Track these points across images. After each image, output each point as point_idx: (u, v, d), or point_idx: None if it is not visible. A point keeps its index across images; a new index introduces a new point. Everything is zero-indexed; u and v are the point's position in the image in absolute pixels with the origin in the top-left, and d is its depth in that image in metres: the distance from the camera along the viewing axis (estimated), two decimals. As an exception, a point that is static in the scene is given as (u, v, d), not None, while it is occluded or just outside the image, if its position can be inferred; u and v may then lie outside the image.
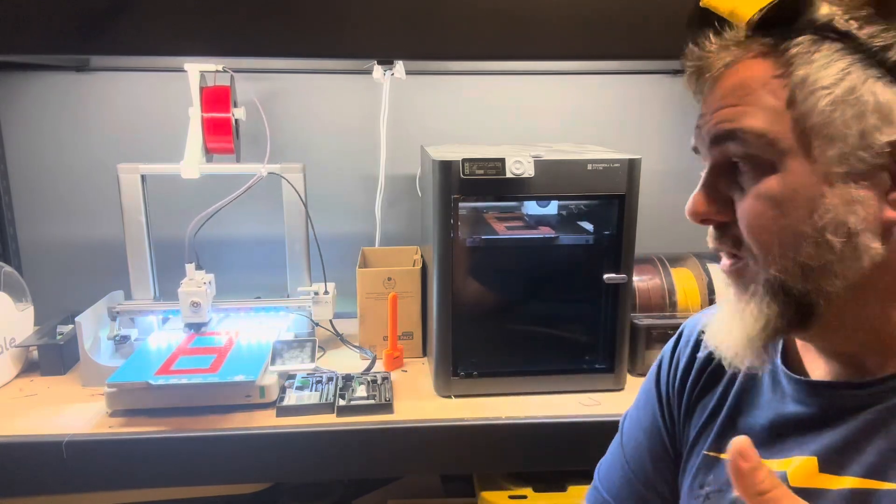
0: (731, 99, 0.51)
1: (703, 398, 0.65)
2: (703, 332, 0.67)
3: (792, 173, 0.48)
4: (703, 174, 0.55)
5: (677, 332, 0.72)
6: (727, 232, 0.54)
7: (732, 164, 0.52)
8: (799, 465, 0.53)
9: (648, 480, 0.70)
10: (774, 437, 0.57)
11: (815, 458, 0.53)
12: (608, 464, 0.76)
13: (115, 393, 1.05)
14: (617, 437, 0.76)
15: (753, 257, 0.52)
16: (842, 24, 0.48)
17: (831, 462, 0.52)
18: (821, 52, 0.48)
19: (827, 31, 0.48)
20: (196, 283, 1.22)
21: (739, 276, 0.54)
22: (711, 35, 0.54)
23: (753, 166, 0.50)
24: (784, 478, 0.54)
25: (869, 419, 0.51)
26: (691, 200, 0.54)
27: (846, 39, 0.48)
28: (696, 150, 0.56)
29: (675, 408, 0.68)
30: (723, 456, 0.60)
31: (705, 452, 0.62)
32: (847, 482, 0.50)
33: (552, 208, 1.22)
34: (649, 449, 0.71)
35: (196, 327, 1.24)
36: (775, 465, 0.55)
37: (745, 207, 0.51)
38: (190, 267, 1.22)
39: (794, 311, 0.51)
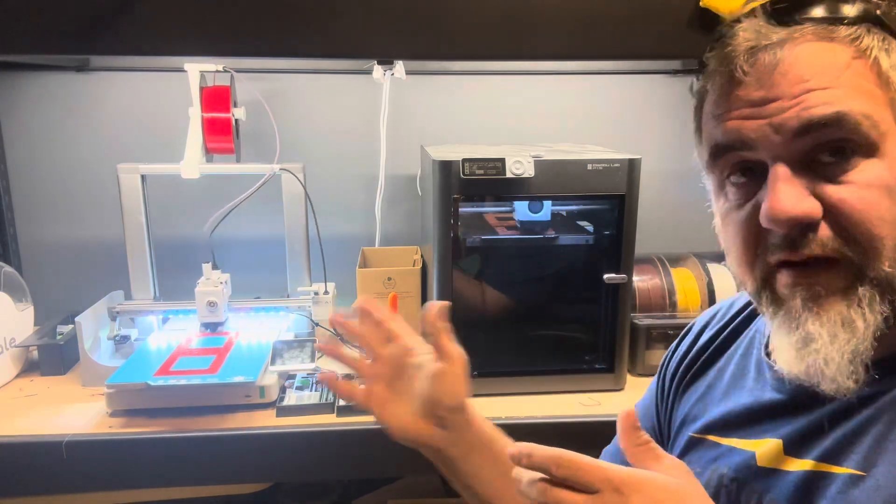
0: (819, 82, 0.47)
1: (694, 384, 0.68)
2: (707, 323, 0.71)
3: (894, 157, 0.47)
4: (777, 170, 0.48)
5: (688, 326, 0.75)
6: (813, 231, 0.48)
7: (812, 154, 0.48)
8: (768, 446, 0.56)
9: None
10: (752, 420, 0.59)
11: (781, 441, 0.55)
12: (610, 445, 0.80)
13: (115, 393, 1.05)
14: None
15: (856, 253, 0.47)
16: (892, 17, 0.49)
17: (795, 445, 0.54)
18: (887, 39, 0.49)
19: (878, 23, 0.49)
20: (213, 282, 1.22)
21: (830, 284, 0.48)
22: (747, 21, 0.51)
23: (852, 152, 0.47)
24: (753, 457, 0.57)
25: (834, 408, 0.52)
26: (780, 200, 0.47)
27: (893, 31, 0.49)
28: (752, 144, 0.50)
29: (669, 392, 0.72)
30: (709, 437, 0.63)
31: (691, 434, 0.65)
32: (806, 465, 0.53)
33: (545, 214, 1.19)
34: (641, 421, 0.74)
35: (212, 326, 1.24)
36: (749, 444, 0.58)
37: (852, 197, 0.47)
38: (207, 266, 1.23)
39: (894, 312, 0.48)
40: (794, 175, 0.48)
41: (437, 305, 0.66)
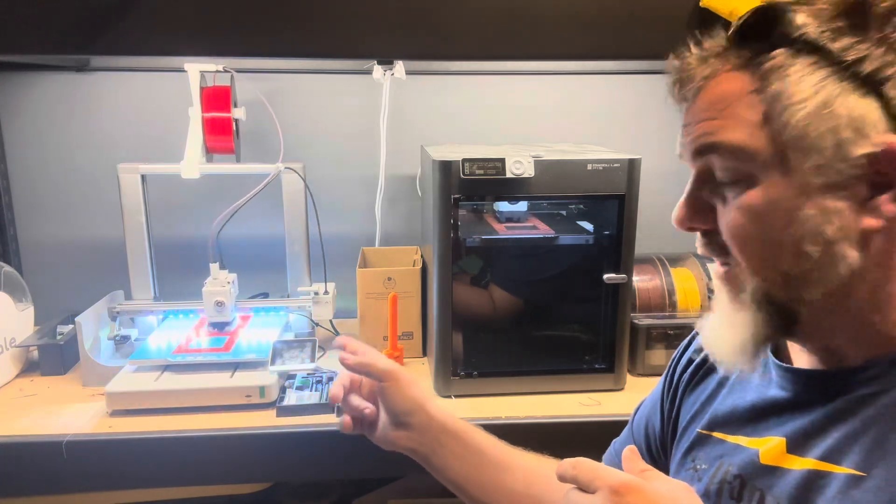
0: (711, 112, 0.52)
1: (703, 382, 0.69)
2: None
3: (770, 186, 0.50)
4: (687, 184, 0.56)
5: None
6: (713, 239, 0.56)
7: (710, 174, 0.54)
8: (771, 445, 0.57)
9: (640, 443, 0.78)
10: (756, 418, 0.60)
11: (784, 440, 0.56)
12: (610, 448, 0.83)
13: (116, 394, 1.05)
14: (633, 412, 0.83)
15: (737, 264, 0.54)
16: (815, 36, 0.48)
17: (797, 444, 0.55)
18: (795, 66, 0.49)
19: (800, 45, 0.49)
20: (220, 282, 1.23)
21: (730, 282, 0.56)
22: (692, 46, 0.55)
23: (734, 179, 0.52)
24: (756, 455, 0.58)
25: (837, 406, 0.53)
26: (676, 208, 0.56)
27: (820, 52, 0.48)
28: (681, 156, 0.58)
29: (677, 389, 0.73)
30: (715, 434, 0.64)
31: (699, 431, 0.65)
32: (807, 463, 0.53)
33: (522, 203, 1.21)
34: (648, 416, 0.77)
35: (220, 326, 1.25)
36: (754, 442, 0.59)
37: (727, 219, 0.53)
38: (214, 266, 1.23)
39: (780, 318, 0.53)
40: (698, 189, 0.56)
41: (345, 355, 0.77)
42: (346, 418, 0.79)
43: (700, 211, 0.56)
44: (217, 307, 1.22)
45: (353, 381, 0.80)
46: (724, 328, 0.56)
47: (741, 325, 0.54)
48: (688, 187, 0.56)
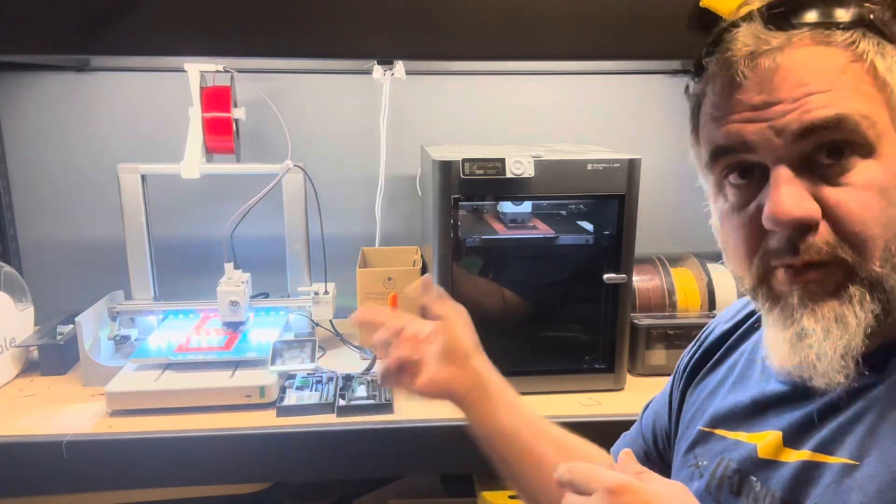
0: (818, 85, 0.48)
1: (704, 380, 0.70)
2: (724, 321, 0.71)
3: (889, 158, 0.48)
4: (779, 172, 0.49)
5: (707, 324, 0.76)
6: (811, 233, 0.49)
7: (811, 156, 0.49)
8: (769, 438, 0.57)
9: (648, 438, 0.79)
10: (756, 413, 0.60)
11: (781, 433, 0.56)
12: (631, 430, 0.83)
13: (116, 394, 1.05)
14: (643, 407, 0.83)
15: (851, 254, 0.49)
16: (884, 22, 0.49)
17: (793, 437, 0.55)
18: (881, 44, 0.49)
19: (871, 28, 0.49)
20: (234, 282, 1.23)
21: (823, 283, 0.50)
22: (744, 25, 0.51)
23: (850, 153, 0.48)
24: (755, 449, 0.58)
25: (830, 399, 0.53)
26: (782, 202, 0.48)
27: (886, 36, 0.49)
28: (728, 149, 0.52)
29: (681, 387, 0.73)
30: (717, 431, 0.64)
31: (700, 428, 0.66)
32: (802, 455, 0.53)
33: (526, 205, 1.21)
34: (657, 412, 0.78)
35: (234, 326, 1.25)
36: (752, 437, 0.59)
37: (849, 199, 0.48)
38: (229, 266, 1.23)
39: (884, 309, 0.49)
40: (795, 177, 0.49)
41: (414, 286, 0.74)
42: (389, 361, 0.71)
43: (806, 199, 0.48)
44: (231, 307, 1.22)
45: (394, 331, 0.72)
46: (826, 335, 0.50)
47: (854, 322, 0.49)
48: (784, 174, 0.49)
